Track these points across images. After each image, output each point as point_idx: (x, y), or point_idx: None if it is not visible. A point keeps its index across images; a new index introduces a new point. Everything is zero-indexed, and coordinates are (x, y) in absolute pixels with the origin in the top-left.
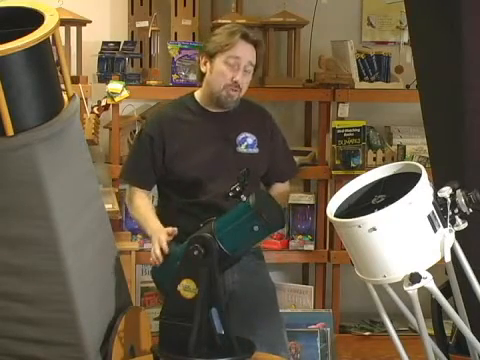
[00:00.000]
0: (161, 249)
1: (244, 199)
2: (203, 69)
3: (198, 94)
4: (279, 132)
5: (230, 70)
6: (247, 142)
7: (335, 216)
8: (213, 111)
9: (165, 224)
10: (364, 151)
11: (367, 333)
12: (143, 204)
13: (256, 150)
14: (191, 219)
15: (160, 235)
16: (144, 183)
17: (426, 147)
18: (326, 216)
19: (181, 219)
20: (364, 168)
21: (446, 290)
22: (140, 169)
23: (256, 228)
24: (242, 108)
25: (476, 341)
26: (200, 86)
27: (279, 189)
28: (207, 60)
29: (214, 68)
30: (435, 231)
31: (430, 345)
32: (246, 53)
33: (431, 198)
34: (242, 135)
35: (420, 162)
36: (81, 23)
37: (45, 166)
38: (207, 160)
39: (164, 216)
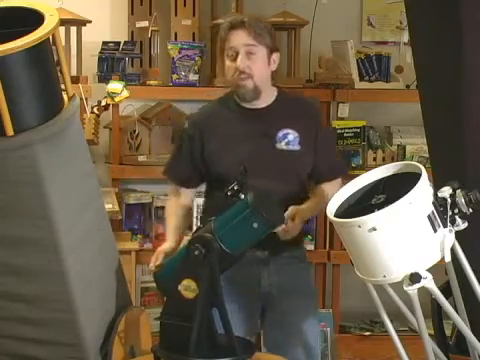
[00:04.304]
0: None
1: (242, 197)
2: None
3: None
4: (326, 130)
5: (232, 61)
6: (288, 139)
7: (335, 216)
8: (251, 107)
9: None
10: (364, 151)
11: (367, 333)
12: (172, 211)
13: (297, 147)
14: None
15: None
16: (183, 181)
17: (426, 147)
18: (326, 216)
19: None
20: (364, 168)
21: (446, 290)
22: (180, 167)
23: (255, 225)
24: (285, 103)
25: (476, 341)
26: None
27: (324, 189)
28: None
29: (224, 67)
30: (435, 231)
31: (430, 345)
32: (238, 39)
33: (431, 198)
34: (283, 131)
35: (420, 162)
36: (81, 23)
37: (45, 166)
38: (243, 158)
39: (206, 213)
